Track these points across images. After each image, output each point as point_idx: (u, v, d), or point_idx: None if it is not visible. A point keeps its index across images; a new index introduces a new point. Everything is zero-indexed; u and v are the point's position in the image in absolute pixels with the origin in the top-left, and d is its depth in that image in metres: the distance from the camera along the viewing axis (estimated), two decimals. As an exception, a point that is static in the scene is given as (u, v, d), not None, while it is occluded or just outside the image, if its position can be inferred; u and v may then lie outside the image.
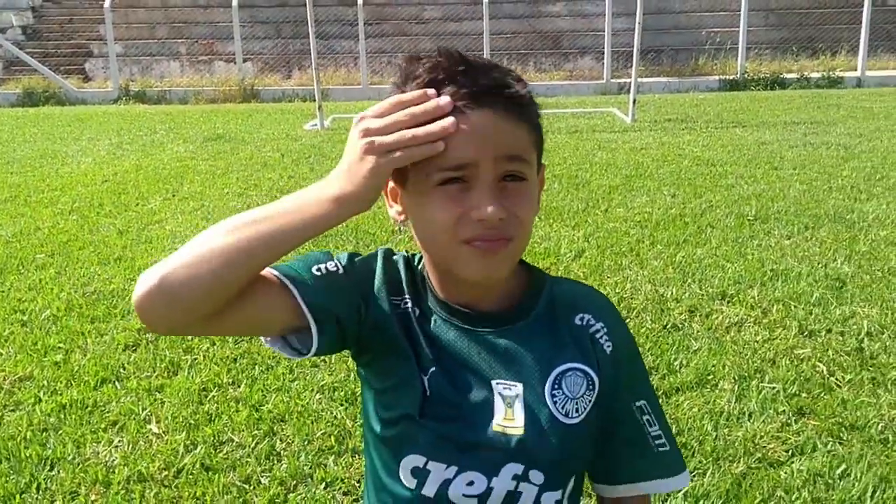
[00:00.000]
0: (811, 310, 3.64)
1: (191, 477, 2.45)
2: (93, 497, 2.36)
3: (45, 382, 3.09)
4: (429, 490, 1.10)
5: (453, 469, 1.10)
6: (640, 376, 1.22)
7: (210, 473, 2.47)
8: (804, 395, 2.89)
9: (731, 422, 2.73)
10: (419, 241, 1.09)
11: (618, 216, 5.34)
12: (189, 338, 3.47)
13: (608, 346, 1.14)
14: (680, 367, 3.10)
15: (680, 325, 3.51)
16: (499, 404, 1.10)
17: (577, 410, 1.11)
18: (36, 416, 2.83)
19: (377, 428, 1.15)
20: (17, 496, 2.36)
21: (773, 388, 2.94)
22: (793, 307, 3.67)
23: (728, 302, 3.77)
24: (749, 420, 2.73)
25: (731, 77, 14.25)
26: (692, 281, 4.03)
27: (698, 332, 3.44)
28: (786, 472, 2.44)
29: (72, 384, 3.07)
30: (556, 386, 1.11)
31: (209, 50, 16.40)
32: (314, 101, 10.54)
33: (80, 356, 3.32)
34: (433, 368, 1.11)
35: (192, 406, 2.88)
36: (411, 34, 15.93)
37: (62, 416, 2.84)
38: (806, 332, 3.42)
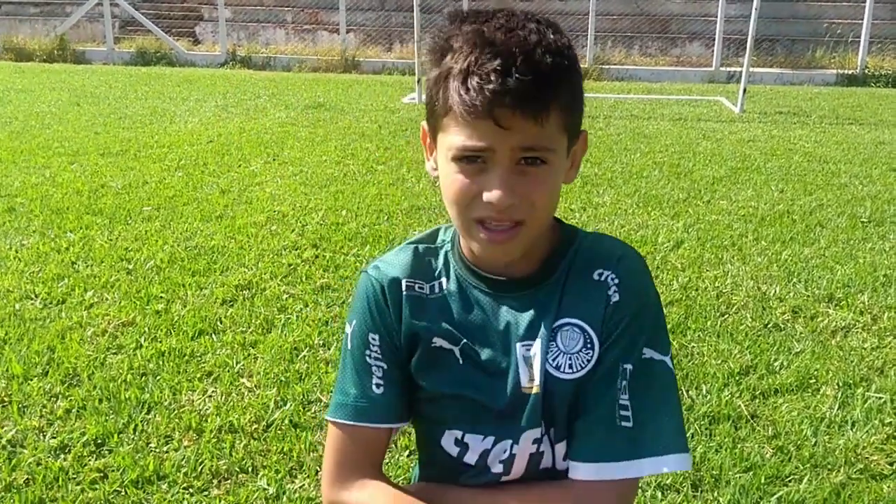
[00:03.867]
0: (926, 320, 3.42)
1: (279, 432, 2.50)
2: (185, 443, 2.44)
3: (146, 329, 3.21)
4: (470, 458, 1.17)
5: (490, 440, 1.15)
6: (645, 336, 1.11)
7: (298, 430, 2.51)
8: (914, 408, 2.73)
9: (833, 429, 2.59)
10: (444, 202, 1.12)
11: (721, 208, 5.16)
12: (284, 297, 3.54)
13: (615, 297, 1.12)
14: (780, 369, 2.97)
15: (782, 326, 3.36)
16: (523, 367, 1.13)
17: (570, 366, 1.11)
18: (136, 360, 2.94)
19: (416, 406, 1.21)
20: (116, 435, 2.46)
21: (880, 398, 2.78)
22: (906, 316, 3.47)
23: (835, 305, 3.58)
24: (852, 429, 2.59)
25: (850, 72, 13.51)
26: (797, 281, 3.85)
27: (801, 333, 3.28)
28: (889, 487, 2.31)
29: (171, 333, 3.18)
30: (551, 339, 1.12)
31: (314, 19, 16.63)
32: (413, 74, 10.57)
33: (179, 307, 3.43)
34: (464, 340, 1.15)
35: (283, 364, 2.93)
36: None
37: (160, 362, 2.94)
38: (919, 343, 3.22)
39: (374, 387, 1.18)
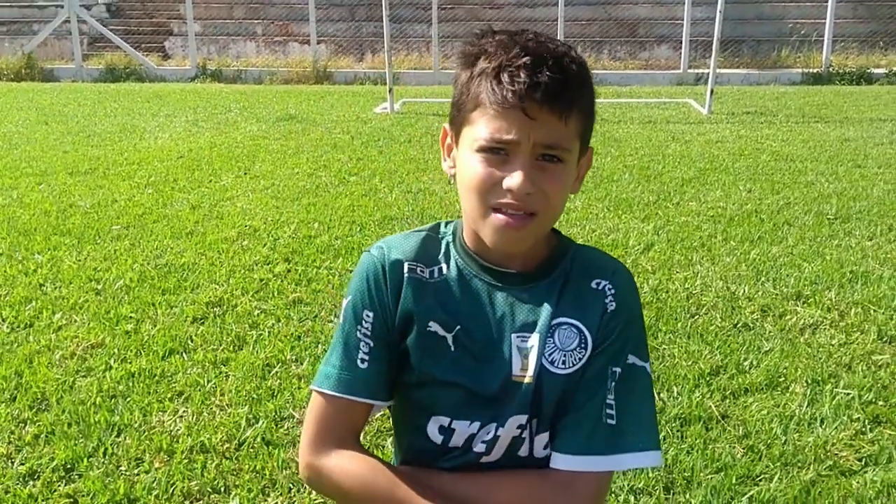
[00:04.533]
0: (892, 315, 3.48)
1: (252, 450, 2.49)
2: (157, 464, 2.42)
3: (115, 350, 3.18)
4: (455, 442, 1.22)
5: (476, 424, 1.20)
6: (632, 344, 1.21)
7: (270, 448, 2.50)
8: (881, 402, 2.77)
9: (802, 427, 2.63)
10: (460, 196, 1.19)
11: (690, 210, 5.21)
12: (255, 313, 3.52)
13: (611, 306, 1.20)
14: (750, 368, 3.00)
15: (751, 325, 3.39)
16: (516, 356, 1.19)
17: (563, 363, 1.19)
18: (106, 382, 2.91)
19: (403, 391, 1.25)
20: (85, 459, 2.43)
21: (848, 393, 2.82)
22: (872, 311, 3.52)
23: (803, 303, 3.63)
24: (821, 426, 2.63)
25: (815, 70, 13.70)
26: (766, 279, 3.90)
27: (770, 332, 3.32)
28: (858, 482, 2.34)
29: (141, 353, 3.15)
30: (549, 335, 1.19)
31: (284, 31, 16.60)
32: (385, 84, 10.57)
33: (150, 326, 3.40)
34: (458, 327, 1.21)
35: (255, 381, 2.92)
36: (485, 19, 15.79)
37: (130, 383, 2.91)
38: (885, 338, 3.27)
39: (359, 361, 1.22)
